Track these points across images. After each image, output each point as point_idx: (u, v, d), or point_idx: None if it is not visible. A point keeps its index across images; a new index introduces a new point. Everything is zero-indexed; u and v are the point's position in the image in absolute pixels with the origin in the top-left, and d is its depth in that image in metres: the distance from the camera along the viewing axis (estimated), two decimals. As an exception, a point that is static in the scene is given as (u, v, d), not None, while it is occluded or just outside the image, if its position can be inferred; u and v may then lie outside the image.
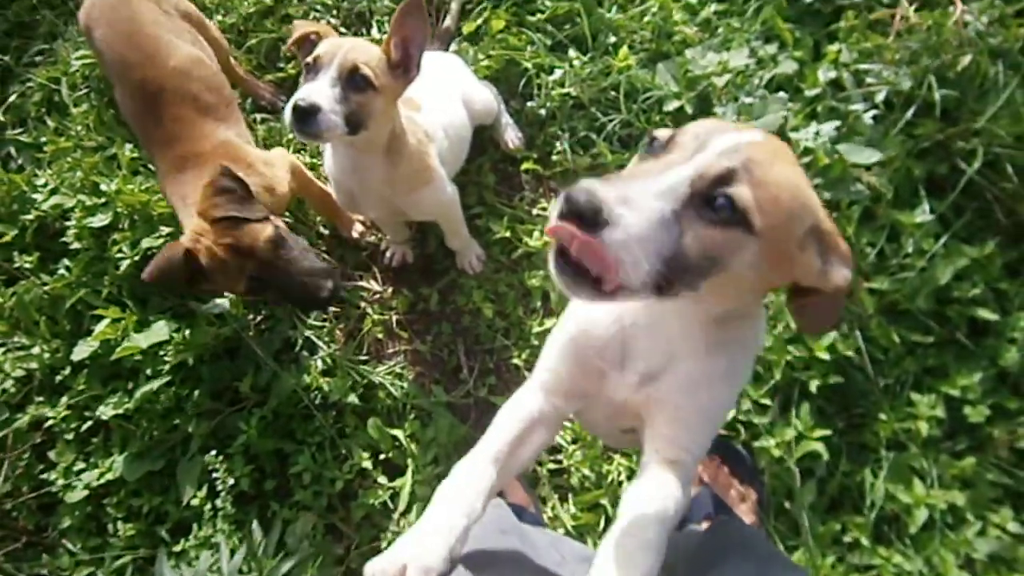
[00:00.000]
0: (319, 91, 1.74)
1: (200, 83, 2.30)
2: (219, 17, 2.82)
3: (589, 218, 0.87)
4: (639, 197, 0.92)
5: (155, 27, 2.30)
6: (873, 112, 2.35)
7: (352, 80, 1.78)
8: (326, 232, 2.76)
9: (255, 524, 2.28)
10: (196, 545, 2.34)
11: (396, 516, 2.44)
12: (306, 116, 1.71)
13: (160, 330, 2.47)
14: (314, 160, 2.77)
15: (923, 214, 2.30)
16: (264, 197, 2.27)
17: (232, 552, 2.09)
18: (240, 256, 2.01)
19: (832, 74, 2.42)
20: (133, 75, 2.24)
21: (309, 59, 1.81)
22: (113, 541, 2.47)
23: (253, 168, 2.28)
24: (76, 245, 2.66)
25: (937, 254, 2.30)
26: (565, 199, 0.89)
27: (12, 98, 2.98)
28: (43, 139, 2.89)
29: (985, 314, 2.27)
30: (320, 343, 2.62)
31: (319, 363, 2.59)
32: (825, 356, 2.25)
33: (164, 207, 2.61)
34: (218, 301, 2.59)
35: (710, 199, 0.95)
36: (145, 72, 2.23)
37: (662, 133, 1.07)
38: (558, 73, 2.67)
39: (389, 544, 2.38)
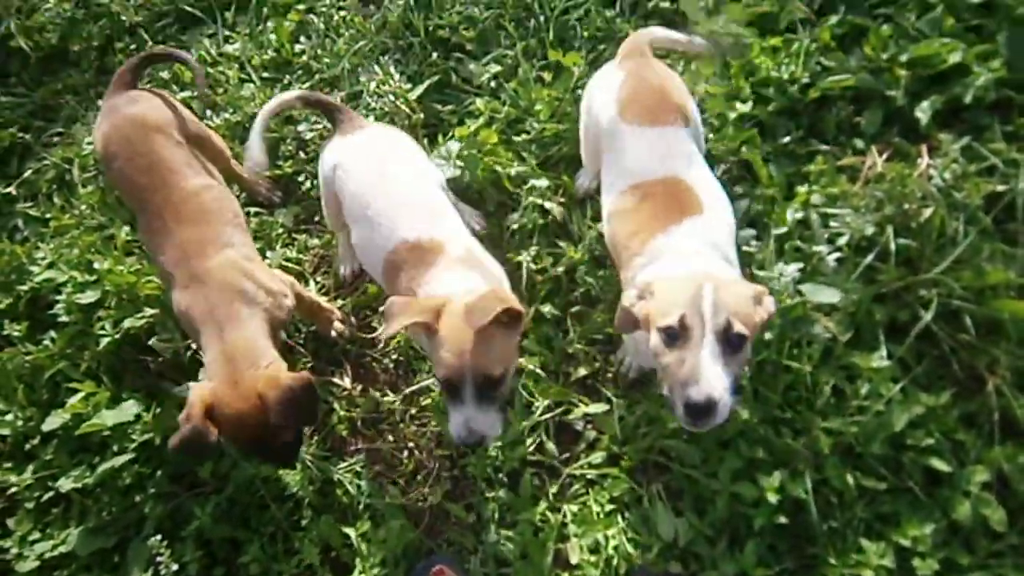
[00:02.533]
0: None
1: (211, 209, 2.41)
2: (227, 115, 2.99)
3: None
4: (714, 378, 1.65)
5: (170, 159, 2.44)
6: (836, 255, 2.40)
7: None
8: (303, 327, 2.83)
9: (193, 613, 2.29)
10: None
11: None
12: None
13: (128, 410, 2.55)
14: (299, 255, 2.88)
15: (881, 359, 2.33)
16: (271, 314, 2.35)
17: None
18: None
19: (800, 215, 2.49)
20: (154, 199, 2.37)
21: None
22: (56, 616, 2.49)
23: (256, 281, 2.35)
24: (64, 318, 2.77)
25: (894, 399, 2.31)
26: (692, 408, 1.66)
27: (27, 173, 3.16)
28: (49, 215, 3.05)
29: (940, 464, 2.26)
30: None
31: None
32: (773, 497, 2.24)
33: (150, 289, 2.72)
34: (190, 384, 2.66)
35: (729, 339, 1.68)
36: (164, 195, 2.37)
37: (671, 322, 1.72)
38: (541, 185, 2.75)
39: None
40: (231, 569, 2.55)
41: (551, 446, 2.54)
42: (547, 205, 2.70)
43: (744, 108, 2.67)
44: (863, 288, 2.37)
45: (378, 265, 2.25)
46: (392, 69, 2.91)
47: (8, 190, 3.15)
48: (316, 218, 2.95)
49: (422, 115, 2.88)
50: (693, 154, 2.16)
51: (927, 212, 2.34)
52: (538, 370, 2.59)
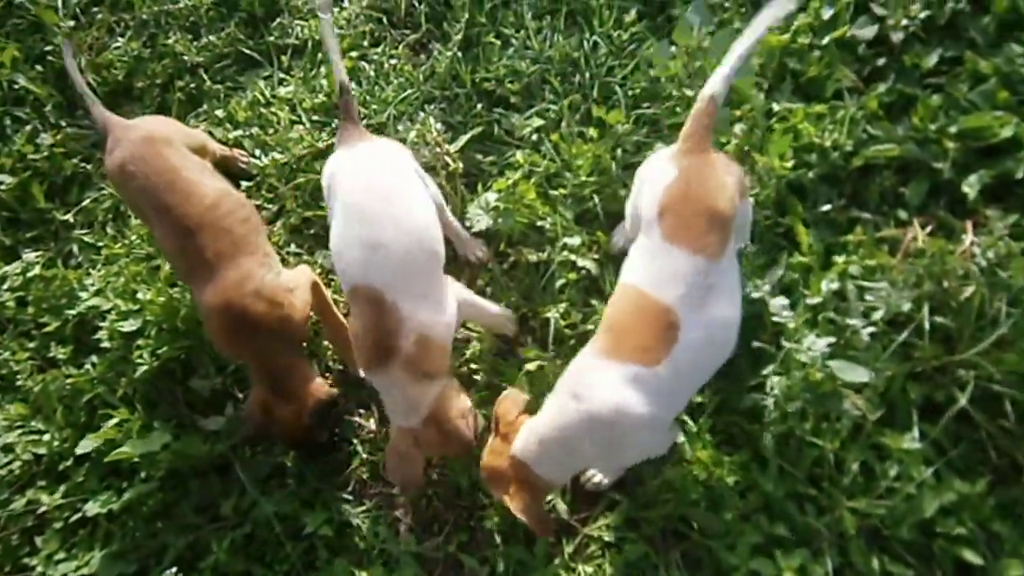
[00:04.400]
0: None
1: (230, 215, 2.52)
2: (276, 155, 3.08)
3: None
4: None
5: (187, 171, 2.56)
6: (871, 329, 2.34)
7: None
8: (334, 365, 2.87)
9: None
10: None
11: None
12: None
13: (155, 440, 2.60)
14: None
15: (913, 440, 2.25)
16: (282, 324, 2.47)
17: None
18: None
19: (836, 286, 2.43)
20: (173, 215, 2.47)
21: None
22: (71, 638, 2.54)
23: (274, 300, 2.46)
24: (106, 344, 2.87)
25: (926, 483, 2.23)
26: None
27: (86, 202, 3.29)
28: (101, 243, 3.17)
29: (972, 556, 2.16)
30: (307, 474, 2.70)
31: (302, 493, 2.67)
32: (792, 576, 2.17)
33: (186, 322, 2.80)
34: (217, 418, 2.73)
35: None
36: (184, 211, 2.47)
37: None
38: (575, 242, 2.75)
39: None
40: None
41: (562, 507, 2.52)
42: (580, 262, 2.69)
43: (786, 172, 2.63)
44: (897, 365, 2.30)
45: (344, 282, 2.31)
46: (432, 120, 2.94)
47: (67, 217, 3.28)
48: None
49: (462, 165, 2.91)
50: (711, 292, 2.03)
51: (968, 291, 2.26)
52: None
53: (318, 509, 2.64)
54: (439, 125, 2.94)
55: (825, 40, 2.72)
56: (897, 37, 2.67)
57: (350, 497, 2.69)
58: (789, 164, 2.63)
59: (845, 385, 2.29)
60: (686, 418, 2.46)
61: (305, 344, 2.74)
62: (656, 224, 2.09)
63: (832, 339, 2.34)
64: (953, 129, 2.53)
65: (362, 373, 2.77)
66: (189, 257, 2.47)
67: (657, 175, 2.17)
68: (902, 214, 2.55)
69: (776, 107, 2.73)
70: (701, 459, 2.41)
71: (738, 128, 2.78)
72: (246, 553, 2.62)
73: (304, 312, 2.57)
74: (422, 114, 3.01)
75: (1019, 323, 2.23)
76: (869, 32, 2.69)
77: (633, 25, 2.96)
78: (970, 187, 2.48)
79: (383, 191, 2.31)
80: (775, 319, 2.42)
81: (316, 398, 2.52)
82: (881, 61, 2.72)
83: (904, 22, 2.66)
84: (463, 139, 2.95)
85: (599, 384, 2.02)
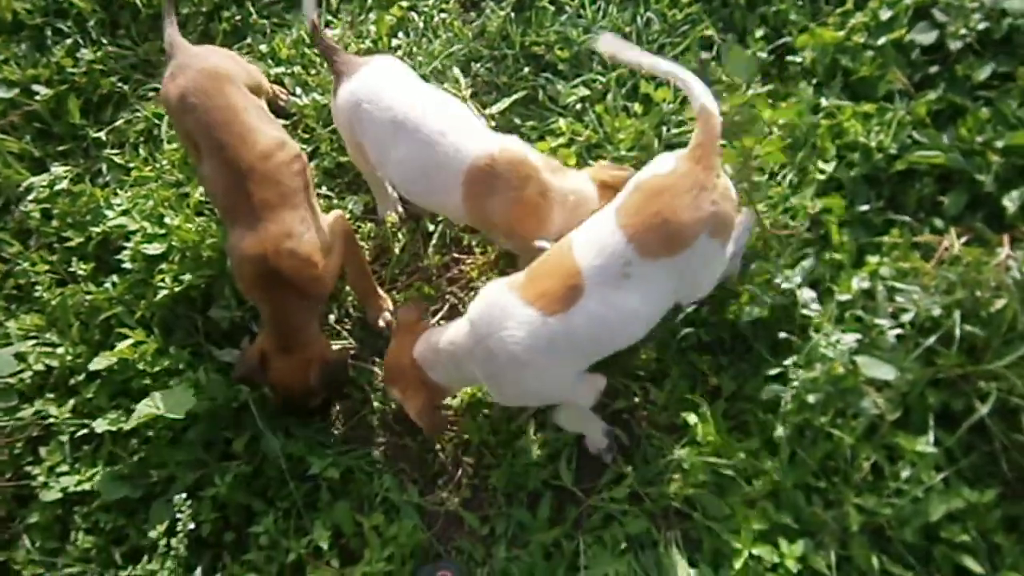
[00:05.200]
0: None
1: (282, 166, 2.51)
2: (316, 95, 3.08)
3: None
4: None
5: (247, 114, 2.54)
6: (898, 331, 2.34)
7: None
8: (353, 312, 2.87)
9: (198, 572, 2.32)
10: (142, 574, 2.39)
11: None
12: None
13: (179, 404, 2.58)
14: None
15: (927, 444, 2.25)
16: (311, 284, 2.49)
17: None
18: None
19: (866, 284, 2.43)
20: (226, 154, 2.46)
21: None
22: (70, 549, 2.54)
23: (309, 261, 2.47)
24: (128, 265, 2.86)
25: (935, 488, 2.23)
26: None
27: (119, 122, 3.28)
28: (132, 164, 3.15)
29: (972, 564, 2.17)
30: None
31: (310, 436, 2.67)
32: (794, 565, 2.18)
33: (213, 251, 2.79)
34: (232, 351, 2.72)
35: None
36: (237, 153, 2.46)
37: None
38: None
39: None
40: (241, 537, 2.58)
41: (566, 474, 2.53)
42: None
43: (828, 168, 2.63)
44: (920, 369, 2.30)
45: (451, 185, 2.39)
46: (462, 78, 2.99)
47: (99, 135, 3.26)
48: (382, 209, 3.00)
49: (496, 125, 2.91)
50: (626, 280, 2.10)
51: (999, 303, 2.26)
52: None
53: (324, 452, 2.64)
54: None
55: (881, 41, 2.71)
56: (954, 46, 2.66)
57: (356, 446, 2.69)
58: (831, 160, 2.63)
59: (868, 382, 2.29)
60: (700, 399, 2.46)
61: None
62: (622, 196, 2.20)
63: (859, 336, 2.34)
64: (999, 143, 2.53)
65: (380, 323, 2.79)
66: (233, 199, 2.46)
67: (659, 160, 2.24)
68: (938, 222, 2.55)
69: (824, 103, 2.72)
70: (711, 441, 2.42)
71: (783, 120, 2.78)
72: (249, 487, 2.63)
73: (335, 273, 2.58)
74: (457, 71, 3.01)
75: (1045, 340, 2.24)
76: (928, 38, 2.68)
77: (689, 6, 2.96)
78: (1011, 202, 2.47)
79: (431, 97, 2.50)
80: (803, 311, 2.43)
81: (324, 359, 2.53)
82: (934, 68, 2.71)
83: (963, 31, 2.65)
84: (507, 101, 2.94)
85: (495, 315, 2.15)
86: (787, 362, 2.41)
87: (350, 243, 2.64)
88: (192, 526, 2.38)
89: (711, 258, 2.24)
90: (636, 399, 2.59)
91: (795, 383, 2.36)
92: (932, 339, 2.29)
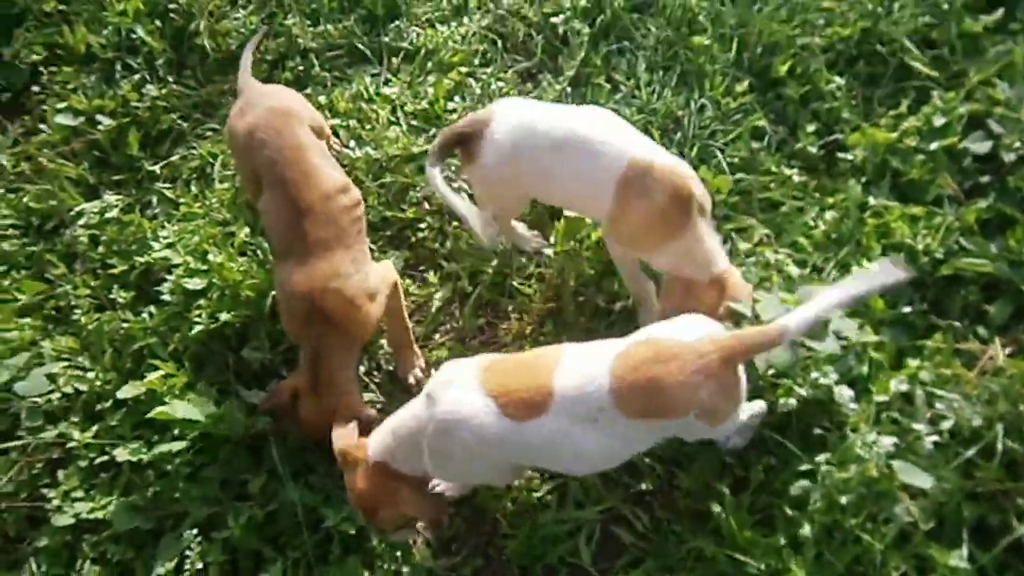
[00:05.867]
0: None
1: (342, 209, 2.56)
2: (369, 150, 3.13)
3: None
4: None
5: (312, 153, 2.60)
6: (935, 438, 2.29)
7: None
8: (384, 365, 2.87)
9: (201, 615, 2.27)
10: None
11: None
12: None
13: (197, 408, 2.60)
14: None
15: (960, 559, 2.18)
16: (353, 327, 2.51)
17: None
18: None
19: (905, 387, 2.40)
20: (287, 191, 2.51)
21: None
22: (74, 578, 2.51)
23: (353, 303, 2.49)
24: (167, 297, 2.89)
25: (966, 607, 2.16)
26: None
27: (175, 158, 3.36)
28: (182, 199, 3.22)
29: None
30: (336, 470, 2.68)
31: (328, 486, 2.64)
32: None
33: (252, 291, 2.82)
34: (260, 393, 2.72)
35: None
36: (299, 191, 2.51)
37: None
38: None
39: None
40: (248, 581, 2.53)
41: (584, 552, 2.47)
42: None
43: (869, 266, 2.62)
44: (957, 480, 2.25)
45: (604, 190, 2.41)
46: None
47: (154, 168, 3.34)
48: (422, 267, 3.03)
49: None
50: (591, 424, 2.04)
51: (1042, 423, 2.23)
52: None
53: (341, 505, 2.60)
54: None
55: (933, 146, 2.74)
56: (1008, 158, 2.69)
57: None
58: (875, 259, 2.63)
59: (902, 488, 2.24)
60: (725, 490, 2.41)
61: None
62: (630, 340, 2.12)
63: (896, 440, 2.30)
64: (1049, 257, 2.53)
65: (411, 379, 2.79)
66: (289, 235, 2.51)
67: (688, 322, 2.14)
68: (982, 331, 2.53)
69: (872, 201, 2.73)
70: (735, 534, 2.36)
71: (829, 215, 2.79)
72: (261, 532, 2.58)
73: (377, 319, 2.60)
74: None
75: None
76: (982, 147, 2.71)
77: (743, 96, 3.00)
78: (1062, 315, 2.46)
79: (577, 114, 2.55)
80: (839, 408, 2.38)
81: (351, 410, 2.48)
82: (985, 178, 2.72)
83: (1017, 144, 2.67)
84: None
85: (456, 395, 2.11)
86: (819, 459, 2.36)
87: (395, 293, 2.66)
88: (200, 566, 2.35)
89: (694, 431, 2.18)
90: (661, 482, 2.54)
91: (826, 481, 2.31)
92: (972, 451, 2.25)
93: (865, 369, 2.49)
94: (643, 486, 2.54)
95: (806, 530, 2.28)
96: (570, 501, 2.54)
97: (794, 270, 2.74)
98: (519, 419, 2.04)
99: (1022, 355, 2.43)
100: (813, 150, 2.92)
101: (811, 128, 2.95)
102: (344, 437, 2.30)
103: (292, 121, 2.64)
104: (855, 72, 3.04)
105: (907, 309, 2.58)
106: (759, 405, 2.38)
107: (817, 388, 2.42)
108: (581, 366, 2.07)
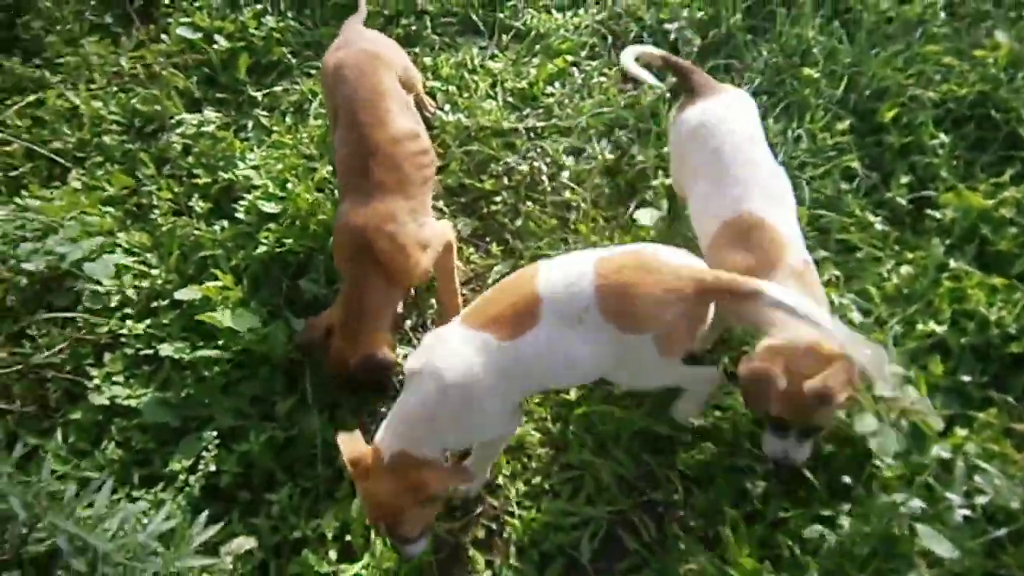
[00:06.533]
0: None
1: (409, 156, 2.62)
2: (462, 116, 3.20)
3: None
4: None
5: (390, 99, 2.68)
6: (967, 512, 2.20)
7: None
8: (431, 325, 2.90)
9: (203, 516, 2.33)
10: (151, 500, 2.44)
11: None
12: None
13: (245, 320, 2.69)
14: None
15: (967, 639, 2.09)
16: (397, 273, 2.56)
17: (167, 520, 2.13)
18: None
19: (947, 455, 2.31)
20: (360, 130, 2.60)
21: None
22: (97, 456, 2.60)
23: (403, 250, 2.55)
24: (240, 215, 2.99)
25: None
26: None
27: (277, 88, 3.50)
28: (276, 128, 3.33)
29: None
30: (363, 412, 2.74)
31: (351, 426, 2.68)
32: None
33: (319, 226, 2.90)
34: (305, 321, 2.79)
35: None
36: (371, 131, 2.59)
37: None
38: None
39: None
40: (256, 500, 2.58)
41: (585, 547, 2.45)
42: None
43: (938, 330, 2.54)
44: (981, 559, 2.16)
45: (710, 229, 2.37)
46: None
47: (256, 94, 3.48)
48: (488, 238, 3.06)
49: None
50: (578, 324, 2.10)
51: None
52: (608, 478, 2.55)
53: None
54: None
55: (1025, 219, 2.64)
56: (1105, 247, 2.57)
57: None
58: (944, 322, 2.54)
59: (922, 553, 2.16)
60: (739, 517, 2.36)
61: (409, 296, 2.84)
62: (615, 249, 2.24)
63: (925, 505, 2.21)
64: (1124, 354, 2.41)
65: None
66: (355, 172, 2.58)
67: (678, 251, 2.23)
68: (1041, 417, 2.42)
69: (952, 264, 2.65)
70: (740, 564, 2.30)
71: (904, 270, 2.72)
72: (278, 455, 2.65)
73: (425, 272, 2.64)
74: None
75: None
76: (1079, 230, 2.60)
77: (842, 134, 2.95)
78: None
79: (758, 139, 2.50)
80: (874, 462, 2.31)
81: (370, 353, 2.52)
82: (1078, 265, 2.61)
83: (1117, 236, 2.56)
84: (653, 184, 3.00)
85: (445, 349, 2.14)
86: (843, 507, 2.30)
87: (447, 254, 2.69)
88: (213, 468, 2.42)
89: (647, 359, 2.17)
90: (676, 496, 2.51)
91: (843, 530, 2.24)
92: (1003, 531, 2.15)
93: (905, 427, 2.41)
94: (658, 495, 2.51)
95: (815, 572, 2.22)
96: (582, 496, 2.53)
97: (856, 316, 2.68)
98: (514, 336, 2.08)
99: (1076, 448, 2.32)
100: (902, 201, 2.85)
101: (905, 179, 2.88)
102: (351, 445, 2.18)
103: (379, 65, 2.71)
104: (963, 133, 2.96)
105: (967, 378, 2.49)
106: (712, 371, 2.44)
107: (853, 436, 2.37)
108: (565, 269, 2.16)
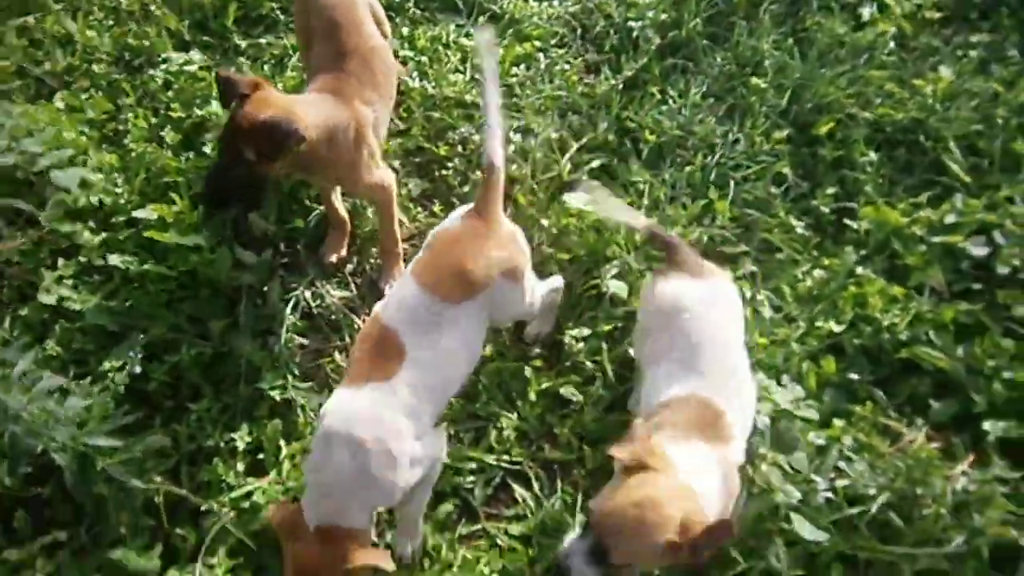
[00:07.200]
0: None
1: (381, 67, 2.82)
2: (428, 85, 3.40)
3: None
4: None
5: (365, 16, 2.86)
6: (828, 495, 2.33)
7: None
8: (371, 272, 3.08)
9: (120, 412, 2.50)
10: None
11: (224, 507, 2.55)
12: None
13: (190, 239, 2.88)
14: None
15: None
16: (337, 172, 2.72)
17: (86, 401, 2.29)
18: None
19: (822, 443, 2.45)
20: (338, 35, 2.74)
21: None
22: (37, 350, 2.75)
23: (359, 153, 2.70)
24: (207, 150, 3.19)
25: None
26: None
27: (262, 40, 3.66)
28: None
29: None
30: (293, 337, 2.91)
31: (277, 350, 2.85)
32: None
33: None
34: (252, 255, 2.96)
35: None
36: (347, 37, 2.75)
37: None
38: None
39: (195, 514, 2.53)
40: (179, 408, 2.74)
41: (478, 494, 2.61)
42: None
43: (837, 329, 2.69)
44: (837, 540, 2.29)
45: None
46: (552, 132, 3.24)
47: (241, 43, 3.65)
48: (436, 200, 3.22)
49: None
50: (439, 326, 2.25)
51: (930, 509, 2.26)
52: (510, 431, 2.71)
53: (281, 375, 2.80)
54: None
55: (936, 239, 2.78)
56: (1003, 270, 2.71)
57: (312, 385, 2.84)
58: (843, 323, 2.69)
59: (780, 532, 2.29)
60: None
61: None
62: (417, 257, 2.42)
63: (802, 495, 2.32)
64: (1008, 375, 2.54)
65: (384, 287, 2.97)
66: (328, 71, 2.72)
67: (450, 217, 2.50)
68: (919, 420, 2.55)
69: (860, 271, 2.80)
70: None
71: (817, 274, 2.87)
72: (206, 371, 2.80)
73: (365, 170, 2.74)
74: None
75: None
76: (980, 251, 2.74)
77: (779, 143, 3.11)
78: (993, 429, 2.47)
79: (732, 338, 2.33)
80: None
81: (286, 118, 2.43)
82: (978, 285, 2.75)
83: (1015, 261, 2.70)
84: (585, 169, 3.17)
85: (345, 414, 2.16)
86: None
87: (389, 197, 2.85)
88: (139, 370, 2.59)
89: (511, 294, 2.43)
90: (571, 456, 2.65)
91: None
92: (855, 510, 2.29)
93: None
94: (556, 454, 2.66)
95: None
96: (484, 444, 2.68)
97: (767, 312, 2.83)
98: (395, 372, 2.20)
99: (943, 452, 2.45)
100: (826, 210, 3.01)
101: (831, 190, 3.03)
102: (279, 511, 2.13)
103: None
104: (893, 155, 3.12)
105: (855, 376, 2.63)
106: (557, 279, 2.69)
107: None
108: (394, 294, 2.36)
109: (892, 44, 3.33)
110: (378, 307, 2.35)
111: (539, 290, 2.57)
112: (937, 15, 3.43)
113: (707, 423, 2.09)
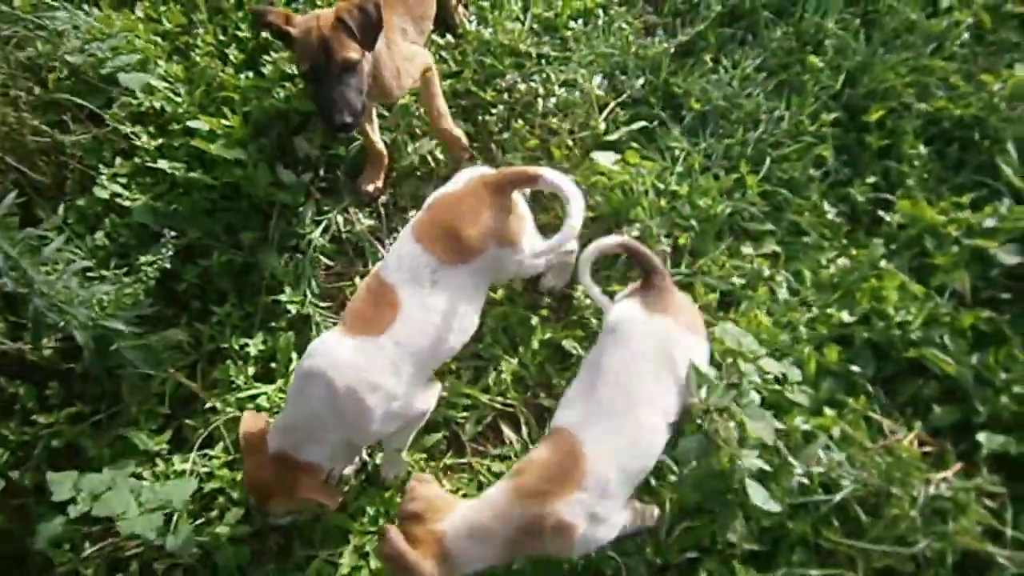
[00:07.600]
0: None
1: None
2: (483, 29, 3.41)
3: None
4: None
5: None
6: (803, 480, 2.32)
7: None
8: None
9: (148, 302, 2.70)
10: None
11: (228, 406, 2.74)
12: None
13: (236, 152, 3.03)
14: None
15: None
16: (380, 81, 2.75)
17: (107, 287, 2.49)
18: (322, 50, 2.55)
19: (807, 428, 2.43)
20: None
21: None
22: (88, 240, 2.98)
23: (392, 50, 2.77)
24: (265, 71, 3.31)
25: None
26: None
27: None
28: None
29: None
30: (319, 258, 3.06)
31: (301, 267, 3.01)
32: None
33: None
34: (291, 174, 3.10)
35: None
36: None
37: None
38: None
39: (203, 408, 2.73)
40: (205, 310, 2.95)
41: (468, 429, 2.72)
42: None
43: (847, 319, 2.64)
44: (799, 524, 2.29)
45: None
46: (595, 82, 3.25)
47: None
48: (475, 144, 3.28)
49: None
50: (435, 287, 2.32)
51: (899, 510, 2.23)
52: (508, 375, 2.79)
53: (303, 293, 2.95)
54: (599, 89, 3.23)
55: (968, 241, 2.68)
56: (1033, 282, 2.60)
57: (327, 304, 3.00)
58: (856, 315, 2.64)
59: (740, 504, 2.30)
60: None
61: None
62: (419, 214, 2.47)
63: (767, 466, 2.32)
64: (1018, 389, 2.45)
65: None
66: None
67: (456, 177, 2.54)
68: (916, 422, 2.49)
69: (884, 264, 2.72)
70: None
71: (841, 262, 2.80)
72: (235, 278, 2.99)
73: (401, 87, 2.84)
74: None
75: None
76: (1010, 259, 2.62)
77: (824, 126, 3.02)
78: (988, 441, 2.40)
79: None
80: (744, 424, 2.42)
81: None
82: (1006, 295, 2.64)
83: (1048, 274, 2.58)
84: (633, 127, 3.16)
85: (328, 355, 2.25)
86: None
87: (430, 82, 2.97)
88: (168, 266, 2.77)
89: (507, 260, 2.46)
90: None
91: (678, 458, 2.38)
92: (822, 497, 2.28)
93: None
94: (549, 402, 2.73)
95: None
96: (481, 384, 2.79)
97: (783, 294, 2.80)
98: (387, 327, 2.26)
99: (931, 456, 2.40)
100: (862, 199, 2.92)
101: (871, 180, 2.94)
102: (251, 421, 2.32)
103: None
104: (944, 151, 2.98)
105: (856, 368, 2.58)
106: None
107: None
108: (394, 251, 2.42)
109: (966, 35, 3.15)
110: (379, 264, 2.42)
111: (544, 250, 2.50)
112: (1022, 9, 3.22)
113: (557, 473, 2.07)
